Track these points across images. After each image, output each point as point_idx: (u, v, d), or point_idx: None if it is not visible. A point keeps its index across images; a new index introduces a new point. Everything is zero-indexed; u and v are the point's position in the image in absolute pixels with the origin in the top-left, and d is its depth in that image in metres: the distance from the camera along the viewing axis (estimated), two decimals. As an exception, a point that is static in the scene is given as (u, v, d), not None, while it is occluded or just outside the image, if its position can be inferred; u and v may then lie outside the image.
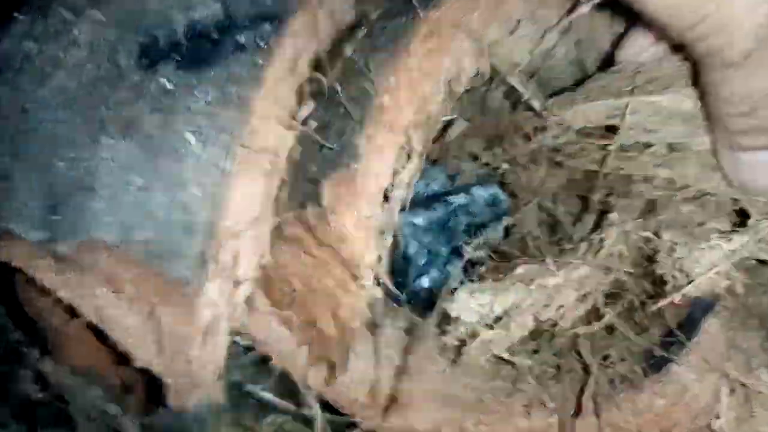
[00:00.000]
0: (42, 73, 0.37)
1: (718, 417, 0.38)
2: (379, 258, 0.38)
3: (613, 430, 0.40)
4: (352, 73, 0.36)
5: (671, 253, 0.35)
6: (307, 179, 0.36)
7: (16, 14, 0.40)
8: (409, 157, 0.38)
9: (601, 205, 0.42)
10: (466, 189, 0.48)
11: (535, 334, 0.43)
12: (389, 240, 0.38)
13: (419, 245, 0.45)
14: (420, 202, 0.48)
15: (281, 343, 0.43)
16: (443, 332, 0.39)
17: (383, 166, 0.36)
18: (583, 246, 0.40)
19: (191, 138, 0.33)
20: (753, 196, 0.35)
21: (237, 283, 0.38)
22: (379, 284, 0.39)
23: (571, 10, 0.38)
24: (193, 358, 0.38)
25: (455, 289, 0.39)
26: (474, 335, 0.38)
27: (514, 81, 0.39)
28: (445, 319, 0.39)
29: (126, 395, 0.49)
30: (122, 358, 0.39)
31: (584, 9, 0.37)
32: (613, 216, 0.39)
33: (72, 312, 0.38)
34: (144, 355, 0.39)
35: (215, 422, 0.52)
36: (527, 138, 0.43)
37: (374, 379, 0.42)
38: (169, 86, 0.33)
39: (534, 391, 0.42)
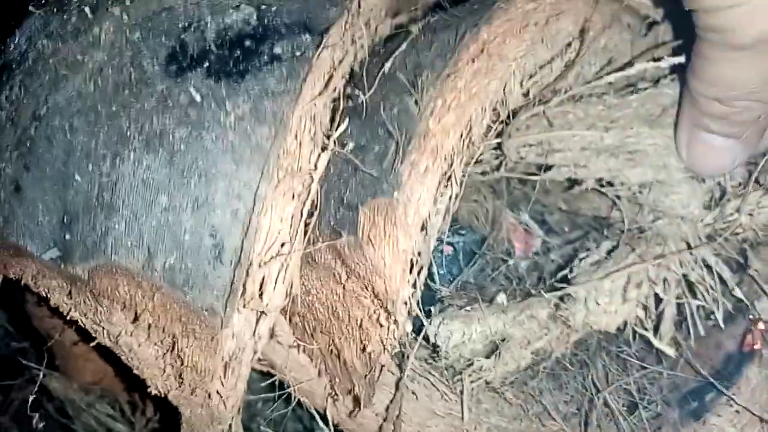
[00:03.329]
0: (57, 75, 0.32)
1: (759, 471, 0.35)
2: (414, 291, 0.33)
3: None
4: (393, 92, 0.32)
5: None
6: (342, 205, 0.31)
7: (31, 8, 0.34)
8: (448, 184, 0.33)
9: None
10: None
11: (556, 369, 0.40)
12: (424, 272, 0.34)
13: (445, 273, 0.41)
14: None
15: (300, 371, 0.38)
16: (434, 359, 0.38)
17: (425, 195, 0.31)
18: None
19: (222, 155, 0.28)
20: (700, 175, 0.35)
21: (263, 314, 0.33)
22: (409, 315, 0.35)
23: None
24: (213, 391, 0.33)
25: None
26: (469, 364, 0.37)
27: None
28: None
29: (135, 414, 0.45)
30: (133, 377, 0.35)
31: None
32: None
33: (85, 332, 0.34)
34: (162, 385, 0.34)
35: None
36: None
37: (397, 414, 0.38)
38: (198, 97, 0.28)
39: (560, 429, 0.38)
